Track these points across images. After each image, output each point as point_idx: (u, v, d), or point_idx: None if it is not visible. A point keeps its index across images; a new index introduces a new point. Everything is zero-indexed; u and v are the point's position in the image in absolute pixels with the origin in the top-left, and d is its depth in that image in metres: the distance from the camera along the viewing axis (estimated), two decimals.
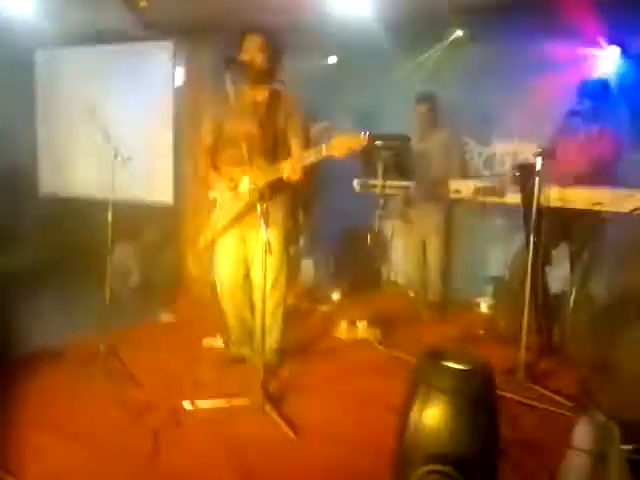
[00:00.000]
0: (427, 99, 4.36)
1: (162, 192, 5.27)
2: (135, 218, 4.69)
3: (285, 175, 2.67)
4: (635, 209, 2.69)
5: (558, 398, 2.82)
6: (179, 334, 3.83)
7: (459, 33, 4.54)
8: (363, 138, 2.48)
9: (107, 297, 3.23)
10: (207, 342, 3.60)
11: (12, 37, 4.71)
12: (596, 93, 3.46)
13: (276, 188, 2.80)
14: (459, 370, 1.82)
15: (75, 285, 4.53)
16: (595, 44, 4.14)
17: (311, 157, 2.61)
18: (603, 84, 3.53)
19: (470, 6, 4.11)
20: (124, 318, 3.70)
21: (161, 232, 5.28)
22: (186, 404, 2.73)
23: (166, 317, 4.21)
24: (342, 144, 2.47)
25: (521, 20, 3.97)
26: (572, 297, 3.27)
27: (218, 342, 3.55)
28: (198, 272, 4.97)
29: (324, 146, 2.52)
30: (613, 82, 3.90)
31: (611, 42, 4.11)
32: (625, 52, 4.11)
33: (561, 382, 3.01)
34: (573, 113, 3.41)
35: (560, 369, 3.19)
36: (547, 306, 3.43)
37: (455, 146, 4.42)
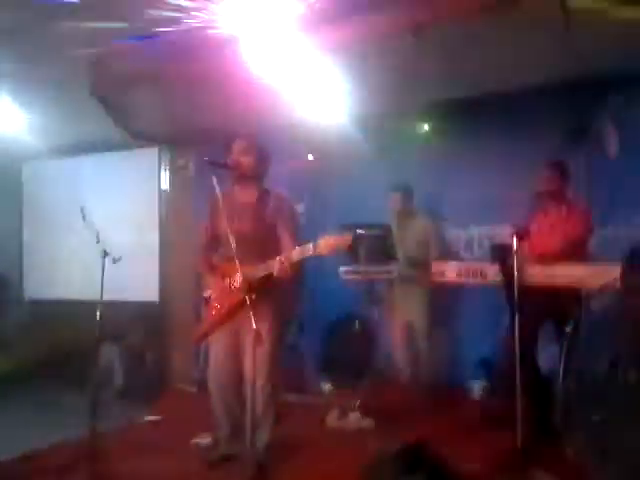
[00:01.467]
0: (400, 188, 4.54)
1: (148, 291, 5.30)
2: (121, 317, 4.68)
3: (275, 273, 2.75)
4: (603, 287, 2.77)
5: None
6: (166, 433, 3.72)
7: (425, 128, 4.83)
8: (348, 239, 2.61)
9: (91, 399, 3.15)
10: (196, 441, 3.48)
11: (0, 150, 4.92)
12: (559, 174, 3.66)
13: (266, 282, 2.87)
14: None
15: (59, 387, 4.42)
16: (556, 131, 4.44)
17: (299, 255, 2.70)
18: (564, 165, 3.73)
19: (436, 102, 4.44)
20: (109, 420, 3.59)
21: (146, 330, 5.24)
22: None
23: (152, 417, 4.07)
24: (329, 244, 2.59)
25: (482, 114, 4.30)
26: (560, 378, 3.25)
27: (207, 440, 3.43)
28: (184, 368, 4.88)
29: (312, 245, 2.63)
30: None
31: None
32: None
33: (560, 466, 2.92)
34: (540, 194, 3.58)
35: (558, 450, 3.11)
36: (539, 387, 3.41)
37: (433, 234, 4.55)
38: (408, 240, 4.45)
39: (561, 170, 3.68)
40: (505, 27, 3.17)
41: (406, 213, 4.55)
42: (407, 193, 4.54)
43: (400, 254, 4.40)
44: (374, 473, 2.32)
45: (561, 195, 3.65)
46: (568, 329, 2.84)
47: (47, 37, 3.29)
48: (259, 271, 2.81)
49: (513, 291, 3.07)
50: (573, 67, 3.84)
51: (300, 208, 4.17)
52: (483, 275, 3.73)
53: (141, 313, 5.18)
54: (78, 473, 2.92)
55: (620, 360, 2.63)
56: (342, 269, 4.54)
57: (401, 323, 4.60)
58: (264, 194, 3.08)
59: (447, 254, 4.64)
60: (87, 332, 3.41)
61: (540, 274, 3.29)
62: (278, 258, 2.75)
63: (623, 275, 2.84)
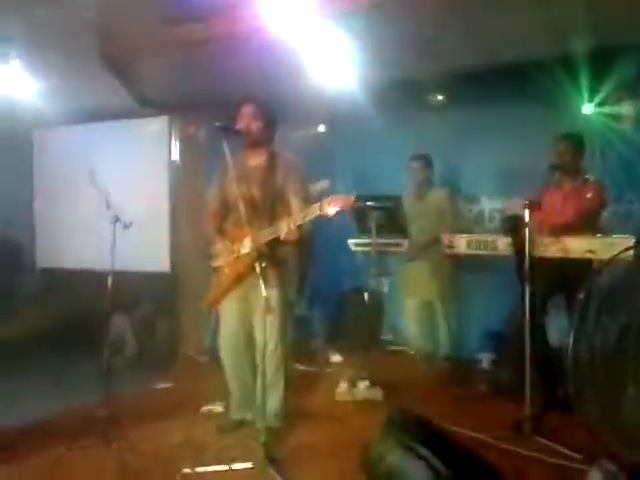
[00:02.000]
0: (421, 157, 4.50)
1: (159, 261, 5.33)
2: (132, 287, 4.71)
3: (282, 235, 2.74)
4: (617, 254, 2.75)
5: (567, 451, 2.76)
6: (177, 401, 3.76)
7: (439, 97, 4.77)
8: (352, 198, 2.60)
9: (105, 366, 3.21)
10: (206, 409, 3.53)
11: (10, 117, 4.90)
12: (573, 147, 3.61)
13: (275, 248, 2.87)
14: None
15: (73, 355, 4.50)
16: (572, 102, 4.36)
17: (305, 217, 2.68)
18: (579, 138, 3.68)
19: (449, 72, 4.37)
20: (122, 386, 3.65)
21: (158, 301, 5.29)
22: (187, 471, 2.65)
23: (164, 384, 4.13)
24: (333, 203, 2.57)
25: (498, 84, 4.22)
26: (570, 347, 3.25)
27: (218, 408, 3.48)
28: (196, 338, 4.94)
29: (317, 205, 2.62)
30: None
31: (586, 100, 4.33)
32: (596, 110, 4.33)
33: (569, 435, 2.94)
34: (554, 167, 3.54)
35: (567, 421, 3.13)
36: (548, 358, 3.42)
37: (452, 203, 4.52)
38: (425, 212, 4.44)
39: (575, 143, 3.64)
40: None
41: (425, 183, 4.52)
42: (427, 162, 4.51)
43: (417, 226, 4.39)
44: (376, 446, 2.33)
45: (575, 168, 3.61)
46: (580, 297, 2.82)
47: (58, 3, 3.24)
48: (266, 234, 2.80)
49: (524, 263, 3.06)
50: (588, 38, 3.73)
51: (323, 185, 4.12)
52: (494, 247, 3.72)
53: (153, 283, 5.22)
54: (92, 437, 2.98)
55: (630, 330, 2.63)
56: (351, 241, 4.54)
57: (419, 301, 4.60)
58: (274, 158, 3.06)
59: (464, 226, 4.62)
60: (99, 302, 3.46)
61: (551, 246, 3.27)
62: (285, 220, 2.74)
63: (636, 246, 2.81)
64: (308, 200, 2.95)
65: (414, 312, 4.64)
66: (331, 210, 2.57)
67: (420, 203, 4.49)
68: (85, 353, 4.04)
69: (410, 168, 4.53)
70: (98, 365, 3.35)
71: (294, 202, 2.96)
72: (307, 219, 2.68)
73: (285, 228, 2.72)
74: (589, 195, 3.54)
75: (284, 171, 3.00)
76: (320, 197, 2.74)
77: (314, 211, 2.63)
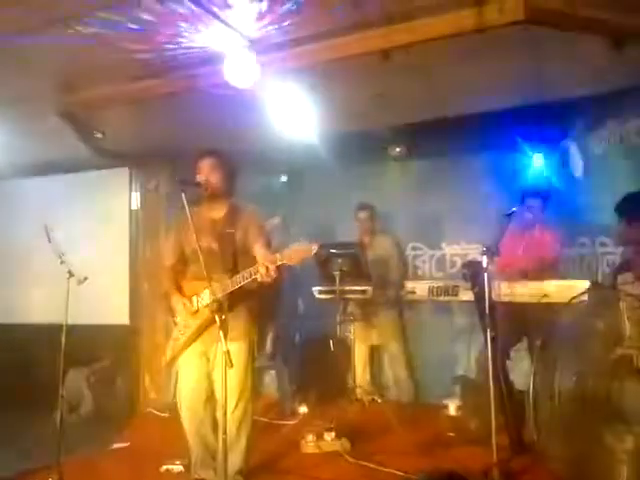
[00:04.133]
0: (365, 208, 4.73)
1: (118, 313, 5.21)
2: (89, 341, 4.57)
3: (260, 277, 2.69)
4: (573, 298, 2.82)
5: None
6: (135, 461, 3.60)
7: (397, 149, 4.96)
8: (313, 247, 2.64)
9: (58, 425, 3.06)
10: (165, 468, 3.38)
11: None
12: (531, 197, 3.78)
13: (237, 299, 2.84)
14: None
15: (25, 414, 4.28)
16: (523, 153, 4.57)
17: (277, 260, 2.65)
18: (536, 190, 3.85)
19: (404, 124, 4.54)
20: (76, 447, 3.48)
21: (116, 354, 5.12)
22: None
23: (120, 443, 3.95)
24: (296, 253, 2.61)
25: (457, 133, 4.40)
26: (531, 392, 3.28)
27: (178, 467, 3.34)
28: (155, 394, 4.77)
29: (278, 255, 2.63)
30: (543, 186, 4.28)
31: (534, 151, 4.54)
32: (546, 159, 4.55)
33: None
34: (511, 215, 3.67)
35: (533, 467, 3.12)
36: (513, 402, 3.43)
37: (396, 249, 4.71)
38: (372, 259, 4.51)
39: (533, 193, 3.81)
40: (473, 50, 3.25)
41: (371, 231, 4.73)
42: (371, 212, 4.73)
43: None
44: None
45: (532, 217, 3.76)
46: (537, 343, 2.87)
47: (13, 54, 3.24)
48: (238, 280, 2.76)
49: (484, 308, 3.11)
50: (539, 91, 3.95)
51: (275, 221, 4.21)
52: (455, 293, 3.78)
53: (111, 336, 5.07)
54: None
55: (586, 375, 2.66)
56: (316, 289, 4.54)
57: (367, 344, 4.65)
58: (233, 210, 3.06)
59: (408, 273, 4.73)
60: (53, 357, 3.33)
61: (511, 291, 3.35)
62: (260, 262, 2.72)
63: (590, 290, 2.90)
64: (270, 247, 2.96)
65: (365, 357, 4.69)
66: (293, 260, 2.60)
67: (368, 250, 4.54)
68: (38, 412, 3.86)
69: (357, 217, 4.73)
70: (51, 424, 3.19)
71: (258, 246, 2.95)
72: (278, 263, 2.66)
73: (262, 269, 2.67)
74: (547, 242, 3.67)
75: (244, 223, 3.01)
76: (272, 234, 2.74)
77: (274, 260, 2.64)
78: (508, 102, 4.09)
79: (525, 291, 3.35)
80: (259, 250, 2.94)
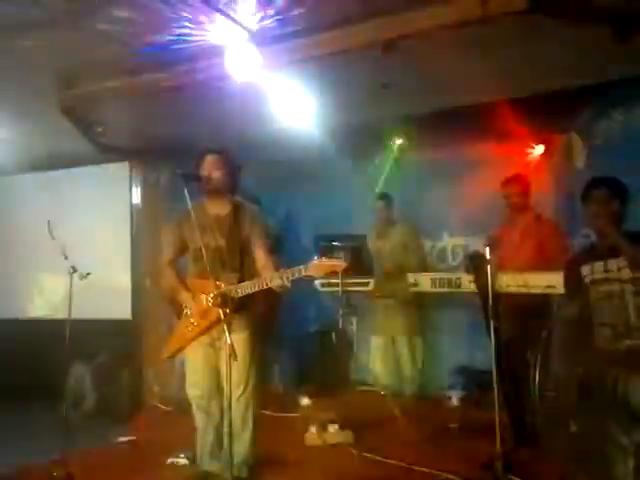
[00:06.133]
0: (383, 197, 4.73)
1: (120, 308, 5.21)
2: (93, 335, 4.57)
3: (274, 286, 2.73)
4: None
5: None
6: (140, 454, 3.62)
7: (400, 140, 4.94)
8: (341, 264, 2.65)
9: (63, 420, 3.07)
10: (170, 461, 3.39)
11: None
12: (519, 187, 3.76)
13: (246, 298, 2.85)
14: None
15: (29, 409, 4.30)
16: (525, 142, 4.55)
17: (295, 274, 2.69)
18: (522, 178, 3.83)
19: (407, 115, 4.52)
20: (80, 441, 3.49)
21: (120, 349, 5.13)
22: None
23: (125, 437, 3.96)
24: (322, 268, 2.64)
25: (457, 125, 4.38)
26: (536, 384, 3.28)
27: (182, 460, 3.35)
28: (159, 388, 4.78)
29: (303, 268, 2.65)
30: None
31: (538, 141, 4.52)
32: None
33: (539, 471, 2.94)
34: (507, 205, 3.68)
35: (537, 459, 3.13)
36: (517, 393, 3.43)
37: (412, 238, 4.67)
38: (387, 250, 4.53)
39: (521, 184, 3.78)
40: (474, 42, 3.23)
41: (388, 221, 4.71)
42: (389, 202, 4.71)
43: (382, 263, 4.50)
44: None
45: (522, 206, 3.74)
46: (544, 334, 2.86)
47: (15, 51, 3.22)
48: (249, 286, 2.79)
49: (487, 299, 3.10)
50: (543, 80, 3.93)
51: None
52: (458, 284, 3.77)
53: (114, 330, 5.08)
54: None
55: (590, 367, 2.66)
56: (318, 282, 4.53)
57: (383, 338, 4.63)
58: (236, 208, 3.06)
59: (426, 263, 4.72)
60: (57, 352, 3.34)
61: (512, 282, 3.34)
62: (279, 271, 2.73)
63: None
64: (270, 251, 3.01)
65: (380, 349, 4.66)
66: (318, 273, 2.65)
67: (385, 240, 4.61)
68: (42, 406, 3.87)
69: (374, 207, 4.71)
70: (56, 419, 3.20)
71: (259, 253, 2.97)
72: (296, 276, 2.69)
73: (279, 281, 2.70)
74: (545, 231, 3.66)
75: (248, 221, 3.02)
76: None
77: (300, 272, 2.66)
78: (510, 92, 4.07)
79: (527, 282, 3.34)
80: (259, 253, 2.97)
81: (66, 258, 3.19)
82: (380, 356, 4.67)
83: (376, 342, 4.72)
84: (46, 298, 5.23)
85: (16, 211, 5.65)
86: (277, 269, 2.78)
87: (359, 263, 4.16)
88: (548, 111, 4.18)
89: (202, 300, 2.93)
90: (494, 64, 3.62)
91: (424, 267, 4.55)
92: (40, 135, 4.59)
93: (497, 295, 3.12)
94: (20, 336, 5.32)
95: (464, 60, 3.54)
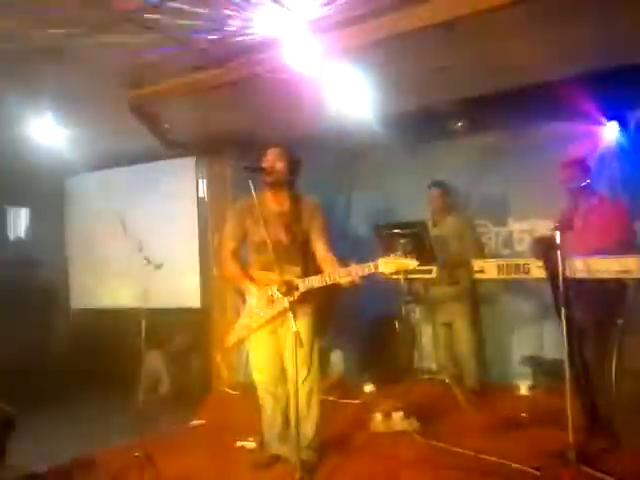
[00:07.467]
0: (438, 185, 4.56)
1: (190, 297, 5.41)
2: (164, 324, 4.77)
3: (345, 283, 2.83)
4: None
5: None
6: (211, 438, 3.76)
7: (458, 124, 4.81)
8: (413, 263, 2.72)
9: (139, 405, 3.23)
10: (240, 444, 3.51)
11: (44, 167, 5.10)
12: (573, 171, 3.56)
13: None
14: None
15: (107, 395, 4.54)
16: (595, 121, 4.32)
17: (365, 271, 2.76)
18: (582, 161, 3.64)
19: (464, 99, 4.40)
20: (156, 425, 3.67)
21: (190, 336, 5.34)
22: None
23: (197, 421, 4.13)
24: (392, 265, 2.71)
25: (521, 105, 4.22)
26: (612, 371, 3.14)
27: (251, 444, 3.46)
28: (228, 373, 4.94)
29: (372, 265, 2.72)
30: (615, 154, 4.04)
31: (609, 118, 4.29)
32: (623, 126, 4.28)
33: (613, 462, 2.83)
34: (568, 190, 3.51)
35: (610, 448, 3.01)
36: (589, 382, 3.31)
37: (468, 229, 4.52)
38: (443, 238, 4.43)
39: (580, 167, 3.59)
40: (536, 20, 3.10)
41: (443, 210, 4.56)
42: (444, 190, 4.56)
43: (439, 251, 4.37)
44: None
45: (587, 190, 3.56)
46: (619, 322, 2.73)
47: (85, 53, 3.38)
48: (318, 280, 2.86)
49: (558, 285, 2.99)
50: (607, 58, 3.72)
51: None
52: (526, 271, 3.64)
53: (184, 319, 5.29)
54: (128, 478, 2.98)
55: None
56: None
57: (441, 325, 4.58)
58: (297, 201, 3.11)
59: (483, 251, 4.59)
60: (132, 340, 3.51)
61: (586, 267, 3.19)
62: (351, 268, 2.79)
63: None
64: (330, 242, 3.06)
65: (441, 337, 4.61)
66: (388, 270, 2.70)
67: (439, 229, 4.49)
68: (118, 392, 4.07)
69: (429, 195, 4.59)
70: (132, 404, 3.36)
71: (320, 245, 3.04)
72: (366, 272, 2.76)
73: (349, 278, 2.79)
74: (611, 213, 3.47)
75: (308, 215, 3.08)
76: None
77: (370, 268, 2.73)
78: (572, 70, 3.87)
79: (599, 267, 3.18)
80: (320, 247, 3.03)
81: (140, 250, 3.35)
82: (443, 344, 4.61)
83: (438, 330, 4.65)
84: (120, 289, 5.48)
85: (90, 207, 5.96)
86: (334, 262, 2.85)
87: (422, 250, 4.09)
88: (619, 87, 3.96)
89: (267, 291, 3.00)
90: (554, 41, 3.46)
91: (482, 255, 4.42)
92: (110, 134, 4.81)
93: (568, 281, 3.01)
94: (99, 325, 5.65)
95: (524, 39, 3.41)
